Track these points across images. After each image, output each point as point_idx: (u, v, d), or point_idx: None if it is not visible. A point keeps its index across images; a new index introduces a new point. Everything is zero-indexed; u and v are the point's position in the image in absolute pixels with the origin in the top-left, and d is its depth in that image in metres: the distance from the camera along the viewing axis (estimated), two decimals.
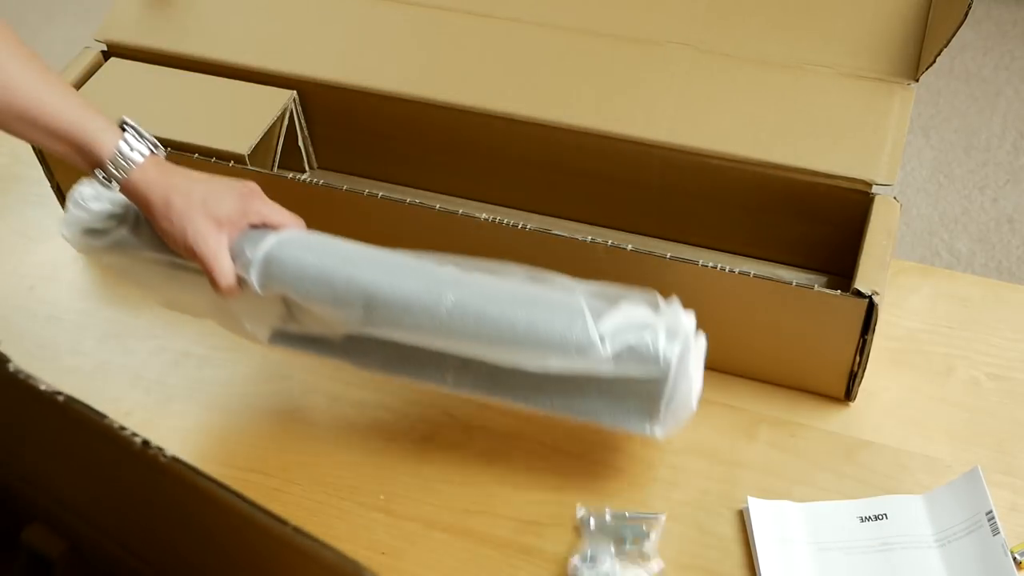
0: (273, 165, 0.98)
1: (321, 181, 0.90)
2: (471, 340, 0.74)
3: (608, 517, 0.79)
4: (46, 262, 1.04)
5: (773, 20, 0.92)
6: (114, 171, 0.74)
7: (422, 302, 0.74)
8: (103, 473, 0.53)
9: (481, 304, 0.73)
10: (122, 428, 0.45)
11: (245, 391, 0.91)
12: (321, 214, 0.91)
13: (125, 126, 0.75)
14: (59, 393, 0.47)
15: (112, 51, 1.05)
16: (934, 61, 0.86)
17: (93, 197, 0.81)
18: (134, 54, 1.04)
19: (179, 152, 0.93)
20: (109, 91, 1.01)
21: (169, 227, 0.74)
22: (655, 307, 0.75)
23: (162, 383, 0.92)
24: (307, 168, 1.07)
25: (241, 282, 0.76)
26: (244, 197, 0.76)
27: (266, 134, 0.96)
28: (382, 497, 0.83)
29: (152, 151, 0.76)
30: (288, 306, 0.79)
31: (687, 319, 0.75)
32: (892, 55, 0.89)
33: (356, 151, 1.05)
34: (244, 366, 0.92)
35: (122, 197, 0.77)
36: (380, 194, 0.88)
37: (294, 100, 0.99)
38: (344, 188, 0.89)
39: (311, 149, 1.06)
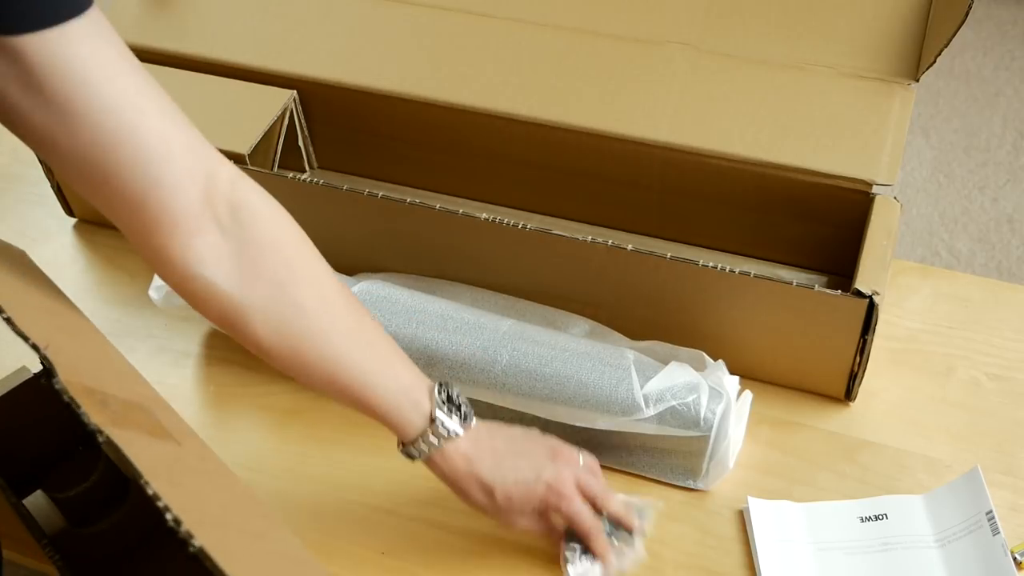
0: (273, 165, 0.98)
1: (321, 181, 0.90)
2: (524, 396, 0.81)
3: None
4: (46, 262, 1.03)
5: (773, 20, 0.92)
6: (416, 454, 0.70)
7: (477, 360, 0.81)
8: None
9: (533, 364, 0.80)
10: (156, 498, 0.46)
11: (245, 391, 0.91)
12: (321, 214, 0.91)
13: (440, 408, 0.69)
14: (100, 432, 0.48)
15: None
16: (934, 61, 0.86)
17: None
18: (134, 54, 1.04)
19: None
20: None
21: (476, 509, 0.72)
22: (701, 367, 0.80)
23: (162, 383, 0.92)
24: (307, 168, 1.07)
25: None
26: (554, 496, 0.71)
27: (266, 134, 0.96)
28: (382, 497, 0.82)
29: (461, 429, 0.70)
30: None
31: (729, 381, 0.80)
32: (892, 55, 0.89)
33: (356, 151, 1.05)
34: (243, 366, 0.92)
35: None
36: (380, 194, 0.88)
37: (294, 100, 0.99)
38: (344, 188, 0.89)
39: (311, 149, 1.06)
